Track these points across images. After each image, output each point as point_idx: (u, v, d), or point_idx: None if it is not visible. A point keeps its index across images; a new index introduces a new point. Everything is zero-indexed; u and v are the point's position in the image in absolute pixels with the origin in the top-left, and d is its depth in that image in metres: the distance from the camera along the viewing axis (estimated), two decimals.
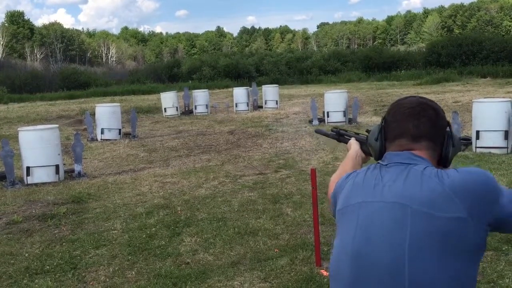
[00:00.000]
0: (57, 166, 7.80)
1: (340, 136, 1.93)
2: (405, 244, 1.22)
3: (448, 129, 1.41)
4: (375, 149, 1.47)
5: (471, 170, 1.28)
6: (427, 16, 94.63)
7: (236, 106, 18.03)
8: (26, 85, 34.68)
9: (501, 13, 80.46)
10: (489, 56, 31.75)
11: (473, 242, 1.22)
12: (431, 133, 1.37)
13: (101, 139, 12.15)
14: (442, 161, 1.39)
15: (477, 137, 8.22)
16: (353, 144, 1.78)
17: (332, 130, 1.98)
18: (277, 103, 18.27)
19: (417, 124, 1.36)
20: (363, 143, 1.74)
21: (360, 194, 1.36)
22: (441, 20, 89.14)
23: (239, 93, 18.28)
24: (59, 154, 7.95)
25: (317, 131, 2.18)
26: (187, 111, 17.99)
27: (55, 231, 5.34)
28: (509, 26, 77.42)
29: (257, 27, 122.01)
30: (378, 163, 1.40)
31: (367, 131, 1.55)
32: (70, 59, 71.80)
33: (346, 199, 1.40)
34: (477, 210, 1.22)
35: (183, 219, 5.52)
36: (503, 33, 66.11)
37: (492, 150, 8.09)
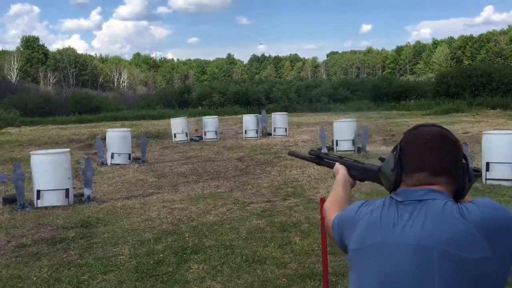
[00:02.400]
0: (67, 190, 7.86)
1: (320, 159, 1.85)
2: None
3: (464, 161, 1.36)
4: (390, 180, 1.38)
5: (490, 205, 1.23)
6: (436, 46, 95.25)
7: (245, 133, 18.13)
8: (39, 109, 35.20)
9: (510, 45, 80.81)
10: (498, 87, 31.78)
11: (501, 279, 1.19)
12: (452, 168, 1.32)
13: (111, 163, 12.23)
14: (458, 195, 1.34)
15: (487, 169, 8.19)
16: (340, 169, 1.73)
17: (309, 153, 1.90)
18: (286, 131, 18.35)
19: (439, 159, 1.31)
20: (349, 168, 1.70)
21: (378, 234, 1.29)
22: (450, 51, 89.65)
23: (249, 120, 18.40)
24: (69, 178, 8.02)
25: (290, 153, 2.10)
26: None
27: (64, 255, 5.35)
28: None
29: (267, 55, 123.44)
30: (392, 197, 1.35)
31: (381, 159, 1.49)
32: (83, 83, 72.97)
33: (362, 238, 1.33)
34: (502, 247, 1.18)
35: (191, 246, 5.51)
36: None
37: (502, 183, 8.04)
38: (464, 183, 1.34)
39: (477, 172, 1.44)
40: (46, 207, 7.61)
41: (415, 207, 1.27)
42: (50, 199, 7.71)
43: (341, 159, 1.78)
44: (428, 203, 1.26)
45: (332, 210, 1.56)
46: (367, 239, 1.31)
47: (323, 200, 4.25)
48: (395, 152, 1.40)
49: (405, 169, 1.36)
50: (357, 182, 1.78)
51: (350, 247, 1.37)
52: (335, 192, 1.68)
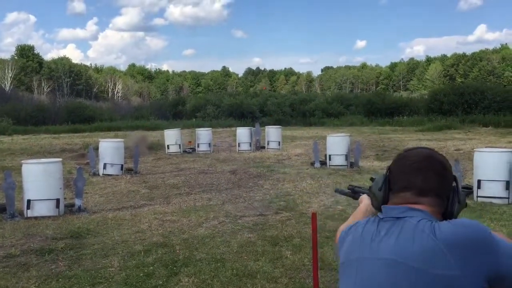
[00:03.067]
0: (57, 200, 7.80)
1: (355, 193, 1.95)
2: None
3: (454, 184, 1.38)
4: (378, 199, 1.45)
5: (465, 223, 1.24)
6: (430, 64, 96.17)
7: (239, 145, 18.13)
8: (32, 118, 35.06)
9: (503, 63, 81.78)
10: (491, 105, 32.09)
11: None
12: (438, 188, 1.34)
13: (103, 174, 12.17)
14: (447, 217, 1.36)
15: (478, 186, 8.23)
16: (365, 199, 1.79)
17: (348, 188, 1.99)
18: (279, 144, 18.37)
19: (424, 179, 1.34)
20: None
21: (358, 249, 1.36)
22: (443, 68, 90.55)
23: (242, 133, 18.41)
24: (60, 188, 7.96)
25: (336, 191, 2.20)
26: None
27: (52, 266, 5.30)
28: (511, 76, 78.50)
29: (262, 68, 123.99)
30: (377, 216, 1.40)
31: (372, 179, 1.55)
32: (77, 93, 72.82)
33: (346, 253, 1.41)
34: (471, 266, 1.18)
35: (181, 259, 5.48)
36: (505, 83, 67.00)
37: (493, 200, 8.08)
38: (453, 206, 1.36)
39: (468, 189, 1.46)
40: (36, 217, 7.54)
41: (393, 224, 1.32)
42: (41, 209, 7.65)
43: (368, 191, 1.83)
44: (405, 220, 1.30)
45: (339, 233, 1.59)
46: (350, 253, 1.39)
47: (315, 215, 4.25)
48: (385, 173, 1.46)
49: (393, 188, 1.41)
50: None
51: (340, 261, 1.45)
52: (352, 218, 1.74)
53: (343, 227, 1.64)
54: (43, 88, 71.11)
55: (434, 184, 1.34)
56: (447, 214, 1.36)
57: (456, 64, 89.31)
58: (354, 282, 1.33)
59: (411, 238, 1.24)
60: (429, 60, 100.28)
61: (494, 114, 30.42)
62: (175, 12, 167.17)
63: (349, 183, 2.06)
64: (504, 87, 45.49)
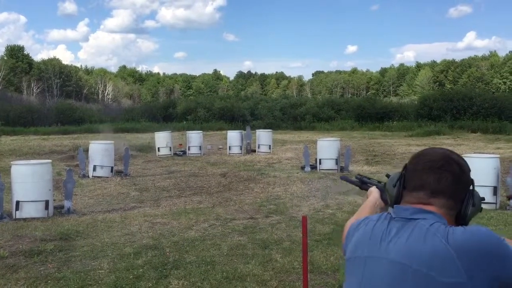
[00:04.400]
0: (47, 202, 7.76)
1: (363, 183, 1.90)
2: None
3: (471, 187, 1.34)
4: (392, 195, 1.43)
5: (477, 230, 1.22)
6: (420, 70, 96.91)
7: (229, 148, 18.14)
8: (21, 119, 34.76)
9: (491, 70, 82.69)
10: (479, 112, 32.41)
11: None
12: (452, 190, 1.31)
13: (92, 176, 12.12)
14: (460, 220, 1.33)
15: None
16: (374, 192, 1.75)
17: (356, 177, 1.95)
18: (270, 148, 18.42)
19: (438, 179, 1.31)
20: (383, 192, 1.71)
21: (366, 246, 1.34)
22: (433, 74, 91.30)
23: (233, 136, 18.43)
24: (50, 190, 7.92)
25: (342, 178, 2.15)
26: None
27: (41, 268, 5.27)
28: (499, 83, 79.40)
29: (253, 71, 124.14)
30: (389, 213, 1.38)
31: (387, 175, 1.53)
32: (67, 94, 72.25)
33: (354, 248, 1.39)
34: (479, 274, 1.16)
35: (171, 261, 5.47)
36: (493, 90, 67.73)
37: (482, 205, 8.16)
38: (467, 209, 1.32)
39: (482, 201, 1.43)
40: (25, 219, 7.49)
41: (405, 225, 1.29)
42: (30, 211, 7.60)
43: (378, 183, 1.81)
44: (417, 222, 1.27)
45: (347, 228, 1.56)
46: (357, 250, 1.37)
47: (305, 219, 4.28)
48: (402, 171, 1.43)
49: (407, 187, 1.38)
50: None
51: (346, 256, 1.43)
52: (360, 211, 1.69)
53: (350, 221, 1.60)
54: (33, 89, 70.51)
55: (448, 185, 1.31)
56: (461, 217, 1.33)
57: (446, 70, 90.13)
58: (361, 280, 1.32)
59: (422, 241, 1.22)
60: (419, 66, 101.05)
61: (483, 120, 30.72)
62: (166, 14, 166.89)
63: (357, 174, 2.02)
64: (493, 94, 45.97)
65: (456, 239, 1.19)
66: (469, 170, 1.37)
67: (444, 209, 1.31)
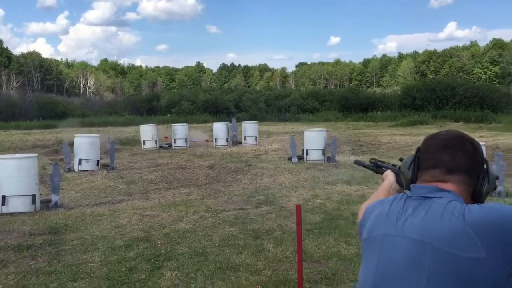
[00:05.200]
0: (33, 196, 7.65)
1: (377, 167, 1.90)
2: (422, 284, 1.21)
3: (485, 166, 1.36)
4: (407, 177, 1.44)
5: (495, 207, 1.23)
6: (402, 60, 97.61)
7: (215, 141, 18.09)
8: (1, 113, 34.16)
9: (472, 60, 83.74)
10: (461, 101, 32.86)
11: (491, 283, 1.17)
12: (467, 167, 1.32)
13: (78, 169, 11.98)
14: (476, 198, 1.33)
15: None
16: (389, 175, 1.75)
17: (370, 161, 1.95)
18: (256, 140, 18.41)
19: (453, 157, 1.33)
20: (399, 175, 1.71)
21: (383, 225, 1.35)
22: (415, 65, 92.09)
23: (219, 128, 18.38)
24: (36, 184, 7.81)
25: (356, 162, 2.13)
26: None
27: (31, 263, 5.20)
28: (480, 73, 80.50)
29: (236, 64, 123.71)
30: (405, 193, 1.39)
31: (401, 159, 1.54)
32: (47, 88, 71.15)
33: (370, 228, 1.40)
34: (498, 250, 1.16)
35: (163, 253, 5.45)
36: (474, 80, 68.64)
37: None
38: (482, 186, 1.33)
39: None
40: (11, 213, 7.38)
41: (421, 203, 1.30)
42: (16, 205, 7.49)
43: (393, 167, 1.80)
44: (433, 200, 1.28)
45: (363, 211, 1.56)
46: (374, 230, 1.38)
47: (299, 207, 4.29)
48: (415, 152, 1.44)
49: (421, 167, 1.40)
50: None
51: (363, 236, 1.43)
52: (375, 195, 1.69)
53: (366, 204, 1.61)
54: (12, 83, 69.28)
55: (463, 162, 1.32)
56: (476, 193, 1.34)
57: (427, 60, 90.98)
58: (378, 259, 1.33)
59: (439, 219, 1.23)
60: (401, 57, 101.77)
61: (465, 109, 31.17)
62: (148, 6, 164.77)
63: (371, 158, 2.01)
64: (474, 83, 46.61)
65: (473, 217, 1.20)
66: (481, 149, 1.38)
67: (462, 186, 1.32)
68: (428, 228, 1.24)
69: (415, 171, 1.41)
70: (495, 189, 1.41)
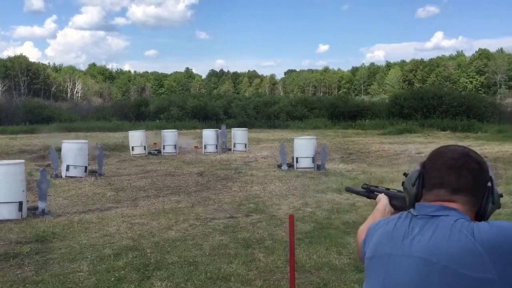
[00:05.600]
0: (20, 203, 7.52)
1: (370, 192, 1.89)
2: None
3: (489, 184, 1.34)
4: (411, 194, 1.42)
5: (505, 225, 1.21)
6: (390, 69, 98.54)
7: (205, 147, 18.02)
8: None
9: (458, 70, 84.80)
10: (448, 110, 33.18)
11: None
12: (472, 188, 1.31)
13: (65, 176, 11.82)
14: (479, 217, 1.33)
15: None
16: (382, 198, 1.74)
17: (362, 187, 1.93)
18: (245, 147, 18.38)
19: (459, 177, 1.31)
20: (392, 198, 1.72)
21: (388, 244, 1.33)
22: (402, 73, 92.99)
23: (208, 135, 18.32)
24: (23, 191, 7.68)
25: (348, 189, 2.12)
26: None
27: (18, 272, 5.09)
28: (466, 83, 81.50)
29: (225, 70, 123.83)
30: (410, 212, 1.37)
31: (405, 174, 1.51)
32: (34, 92, 70.44)
33: (375, 247, 1.38)
34: (509, 271, 1.15)
35: (153, 262, 5.38)
36: (460, 89, 69.44)
37: None
38: (486, 206, 1.33)
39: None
40: None
41: (427, 222, 1.29)
42: (2, 212, 7.36)
43: (386, 190, 1.80)
44: (441, 219, 1.27)
45: (363, 232, 1.54)
46: (379, 248, 1.36)
47: (292, 217, 4.27)
48: (419, 168, 1.42)
49: (426, 185, 1.38)
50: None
51: (366, 255, 1.41)
52: (372, 218, 1.67)
53: (364, 227, 1.60)
54: None
55: (468, 183, 1.31)
56: (480, 213, 1.33)
57: (415, 69, 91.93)
58: (384, 279, 1.31)
59: (447, 238, 1.22)
60: (388, 65, 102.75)
61: (452, 118, 31.46)
62: (137, 11, 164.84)
63: (363, 183, 1.99)
64: (460, 92, 47.12)
65: (482, 235, 1.18)
66: (487, 168, 1.37)
67: (464, 206, 1.30)
68: (436, 247, 1.22)
69: (419, 188, 1.39)
70: (499, 207, 1.38)
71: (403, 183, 1.50)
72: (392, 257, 1.31)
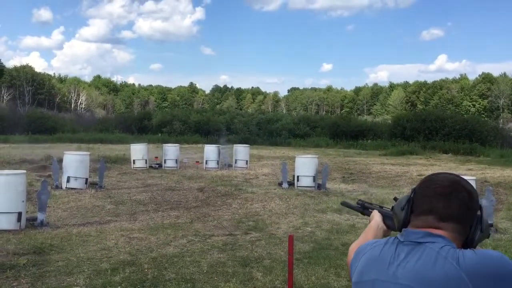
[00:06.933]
0: (19, 214, 7.49)
1: (364, 209, 1.91)
2: None
3: (479, 212, 1.35)
4: (399, 218, 1.43)
5: (490, 254, 1.23)
6: (393, 90, 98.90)
7: (206, 163, 18.01)
8: None
9: (461, 93, 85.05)
10: (450, 133, 33.18)
11: None
12: (461, 216, 1.32)
13: (66, 187, 11.80)
14: (467, 245, 1.33)
15: None
16: (375, 216, 1.75)
17: (357, 203, 1.96)
18: (247, 163, 18.37)
19: (448, 205, 1.32)
20: (385, 217, 1.73)
21: (374, 270, 1.34)
22: (405, 95, 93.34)
23: (210, 150, 18.33)
24: (23, 201, 7.66)
25: (343, 203, 2.15)
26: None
27: (14, 284, 5.06)
28: (469, 106, 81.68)
29: (229, 86, 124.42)
30: (397, 237, 1.38)
31: (395, 199, 1.53)
32: (38, 102, 70.78)
33: (361, 272, 1.39)
34: None
35: (150, 278, 5.34)
36: (463, 112, 69.59)
37: None
38: (474, 234, 1.33)
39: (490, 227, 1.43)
40: None
41: (413, 248, 1.29)
42: (1, 223, 7.33)
43: (380, 208, 1.81)
44: (426, 246, 1.27)
45: (353, 252, 1.55)
46: (365, 274, 1.37)
47: (291, 238, 4.25)
48: (410, 194, 1.44)
49: (415, 210, 1.39)
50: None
51: (353, 280, 1.42)
52: (364, 236, 1.68)
53: (354, 246, 1.60)
54: (3, 96, 68.88)
55: (457, 211, 1.32)
56: (468, 241, 1.34)
57: (418, 91, 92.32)
58: None
59: (432, 265, 1.22)
60: (392, 86, 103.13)
61: (454, 141, 31.45)
62: (143, 25, 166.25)
63: (358, 199, 2.01)
64: (463, 116, 47.20)
65: (467, 263, 1.20)
66: (477, 196, 1.38)
67: (452, 233, 1.31)
68: (421, 273, 1.23)
69: (408, 213, 1.40)
70: (488, 236, 1.39)
71: (392, 208, 1.53)
72: (377, 282, 1.32)
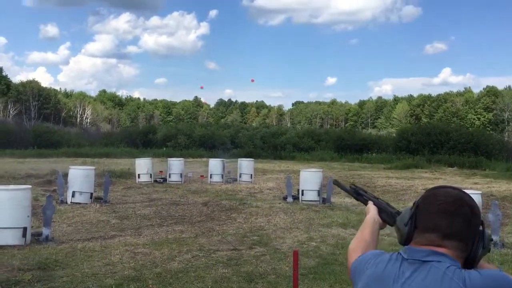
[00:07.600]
0: (25, 229, 7.51)
1: (358, 195, 1.87)
2: None
3: (480, 228, 1.36)
4: (402, 233, 1.43)
5: (496, 276, 1.24)
6: (397, 103, 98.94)
7: (210, 177, 18.02)
8: None
9: (466, 106, 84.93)
10: (456, 146, 33.05)
11: None
12: (464, 233, 1.32)
13: (71, 202, 11.83)
14: (469, 261, 1.34)
15: None
16: (371, 209, 1.73)
17: (350, 187, 1.93)
18: (251, 177, 18.36)
19: (451, 223, 1.32)
20: (381, 210, 1.71)
21: (378, 287, 1.34)
22: (410, 108, 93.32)
23: (215, 165, 18.34)
24: (28, 216, 7.69)
25: (335, 183, 2.14)
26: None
27: None
28: (473, 119, 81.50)
29: (234, 100, 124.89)
30: (400, 253, 1.38)
31: (398, 212, 1.53)
32: (44, 117, 71.24)
33: None
34: None
35: None
36: (468, 126, 69.40)
37: None
38: (477, 251, 1.34)
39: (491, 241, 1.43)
40: (1, 246, 7.22)
41: (418, 267, 1.29)
42: (6, 238, 7.34)
43: (376, 200, 1.79)
44: (432, 265, 1.28)
45: (354, 252, 1.55)
46: None
47: (296, 253, 4.24)
48: (412, 208, 1.43)
49: (418, 227, 1.39)
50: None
51: None
52: (361, 233, 1.67)
53: (353, 246, 1.59)
54: (10, 111, 69.39)
55: (460, 229, 1.32)
56: (470, 258, 1.34)
57: (422, 104, 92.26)
58: None
59: (438, 284, 1.23)
60: (396, 100, 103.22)
61: (459, 155, 31.31)
62: (149, 40, 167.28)
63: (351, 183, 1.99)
64: (468, 129, 47.07)
65: (473, 284, 1.20)
66: (479, 211, 1.39)
67: (457, 252, 1.32)
68: None
69: (412, 229, 1.40)
70: (489, 251, 1.40)
71: (395, 222, 1.51)
72: None
